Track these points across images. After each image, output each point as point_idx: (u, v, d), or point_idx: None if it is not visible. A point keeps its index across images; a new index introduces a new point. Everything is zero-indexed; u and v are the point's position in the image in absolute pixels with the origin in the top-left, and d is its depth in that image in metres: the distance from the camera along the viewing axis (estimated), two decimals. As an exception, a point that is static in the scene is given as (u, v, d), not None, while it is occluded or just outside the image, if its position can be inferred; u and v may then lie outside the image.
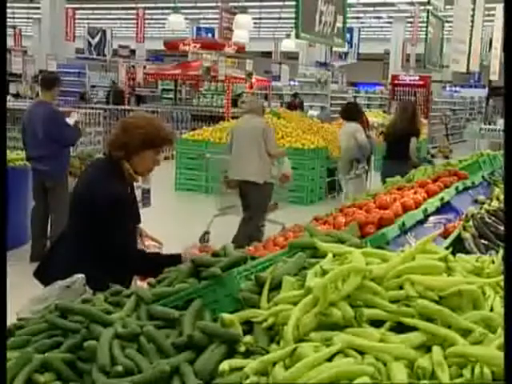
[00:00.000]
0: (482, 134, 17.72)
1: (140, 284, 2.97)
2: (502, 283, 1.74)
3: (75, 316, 1.87)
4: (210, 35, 24.59)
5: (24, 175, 6.80)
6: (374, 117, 15.48)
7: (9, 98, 14.75)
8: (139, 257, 3.08)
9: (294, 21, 8.04)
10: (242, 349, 1.64)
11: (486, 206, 3.23)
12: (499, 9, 15.71)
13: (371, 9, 25.25)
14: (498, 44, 16.63)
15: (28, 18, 27.26)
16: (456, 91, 30.54)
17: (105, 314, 1.88)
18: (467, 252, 2.55)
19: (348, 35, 19.54)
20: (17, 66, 18.49)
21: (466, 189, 3.66)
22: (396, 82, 21.42)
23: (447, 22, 15.15)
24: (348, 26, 13.09)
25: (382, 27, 30.63)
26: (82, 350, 1.72)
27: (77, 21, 21.17)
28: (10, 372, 1.61)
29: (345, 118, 7.82)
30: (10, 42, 23.30)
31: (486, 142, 16.19)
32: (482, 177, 3.95)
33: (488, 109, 28.47)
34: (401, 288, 1.72)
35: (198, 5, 23.54)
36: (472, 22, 14.11)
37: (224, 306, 1.88)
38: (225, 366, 1.55)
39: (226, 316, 1.73)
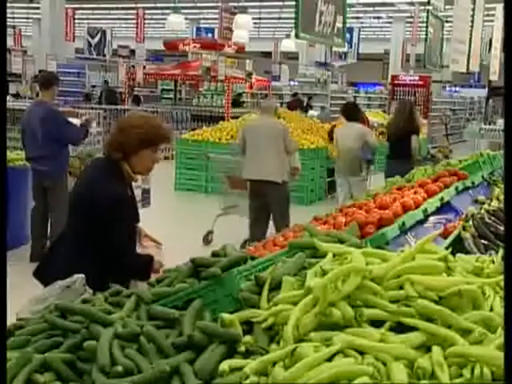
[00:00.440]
0: (481, 134, 17.72)
1: (140, 284, 2.97)
2: (502, 283, 1.74)
3: (75, 316, 1.87)
4: (209, 35, 24.63)
5: (24, 175, 6.80)
6: (374, 117, 15.48)
7: (9, 98, 14.73)
8: (138, 257, 3.08)
9: (293, 21, 8.03)
10: (242, 349, 1.64)
11: (485, 206, 3.23)
12: (499, 9, 15.69)
13: (371, 9, 25.24)
14: (497, 44, 16.61)
15: (28, 18, 27.27)
16: (456, 91, 30.58)
17: (105, 314, 1.88)
18: (467, 252, 2.54)
19: (348, 35, 19.55)
20: (17, 66, 18.50)
21: (465, 189, 3.66)
22: (396, 82, 21.41)
23: (447, 22, 15.13)
24: (348, 26, 13.10)
25: (381, 27, 30.63)
26: (81, 350, 1.72)
27: (77, 21, 21.18)
28: (10, 372, 1.61)
29: (346, 117, 7.78)
30: (9, 42, 23.30)
31: (486, 142, 16.19)
32: (482, 177, 3.95)
33: (488, 109, 28.48)
34: (401, 288, 1.72)
35: (198, 5, 23.54)
36: (472, 22, 14.10)
37: (224, 306, 1.88)
38: (225, 366, 1.55)
39: (225, 316, 1.73)
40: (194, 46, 20.02)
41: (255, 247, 3.21)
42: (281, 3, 21.06)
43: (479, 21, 14.76)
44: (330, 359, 1.47)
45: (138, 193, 5.89)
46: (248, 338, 1.68)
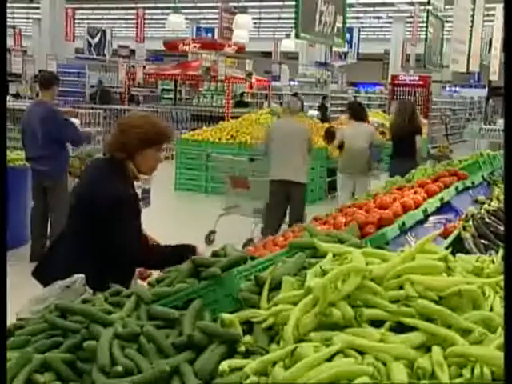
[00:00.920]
0: (481, 134, 17.71)
1: (140, 284, 2.97)
2: (502, 283, 1.74)
3: (75, 316, 1.87)
4: (209, 35, 24.63)
5: (24, 175, 6.80)
6: (374, 117, 15.47)
7: (9, 98, 14.73)
8: (142, 255, 3.05)
9: (293, 21, 8.03)
10: (242, 349, 1.64)
11: (485, 206, 3.23)
12: (499, 9, 15.70)
13: (371, 9, 25.23)
14: (497, 44, 16.62)
15: (28, 18, 27.27)
16: (456, 91, 30.59)
17: (105, 314, 1.88)
18: (467, 252, 2.54)
19: (348, 35, 19.54)
20: (17, 66, 18.51)
21: (465, 189, 3.66)
22: (396, 81, 21.41)
23: (447, 21, 15.14)
24: (348, 25, 13.09)
25: (381, 27, 30.62)
26: (81, 350, 1.72)
27: (77, 21, 21.18)
28: (10, 372, 1.61)
29: (354, 117, 7.75)
30: (9, 42, 23.31)
31: (486, 142, 16.19)
32: (482, 177, 3.95)
33: (488, 109, 28.44)
34: (401, 288, 1.72)
35: (198, 5, 23.53)
36: (472, 22, 14.10)
37: (224, 306, 1.88)
38: (225, 366, 1.55)
39: (225, 316, 1.73)
40: (194, 46, 20.01)
41: (255, 247, 3.21)
42: (281, 3, 21.06)
43: (479, 21, 14.77)
44: (330, 359, 1.47)
45: (138, 193, 5.88)
46: (248, 337, 1.68)
